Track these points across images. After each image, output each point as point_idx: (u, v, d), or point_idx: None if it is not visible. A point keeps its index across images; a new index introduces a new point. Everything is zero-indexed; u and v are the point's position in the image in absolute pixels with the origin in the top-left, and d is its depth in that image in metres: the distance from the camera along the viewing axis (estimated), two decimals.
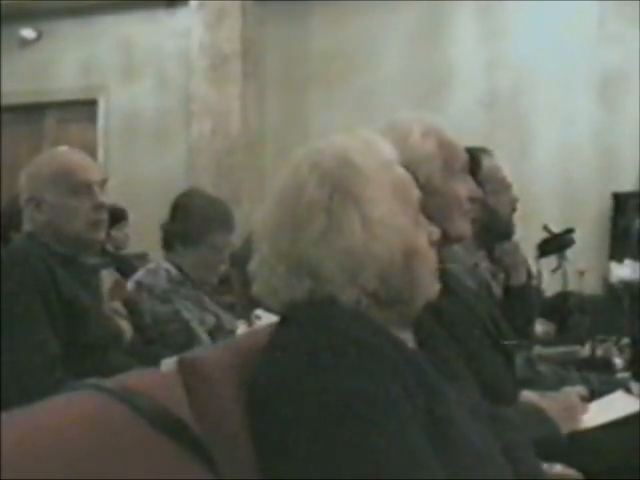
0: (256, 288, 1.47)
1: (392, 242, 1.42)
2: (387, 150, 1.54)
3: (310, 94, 6.82)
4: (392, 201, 1.46)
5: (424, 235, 1.50)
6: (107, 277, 2.69)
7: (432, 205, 2.00)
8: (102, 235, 2.62)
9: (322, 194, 1.40)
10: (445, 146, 2.04)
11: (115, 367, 2.08)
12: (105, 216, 2.62)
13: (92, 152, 7.01)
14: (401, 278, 1.43)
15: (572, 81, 6.22)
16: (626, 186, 5.89)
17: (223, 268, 3.22)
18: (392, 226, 1.43)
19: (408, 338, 1.48)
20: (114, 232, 5.03)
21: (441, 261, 1.84)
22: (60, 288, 2.37)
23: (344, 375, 1.24)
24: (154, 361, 2.30)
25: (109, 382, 1.21)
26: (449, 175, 2.03)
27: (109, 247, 4.71)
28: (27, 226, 2.54)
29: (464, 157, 2.09)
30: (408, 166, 1.97)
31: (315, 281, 1.39)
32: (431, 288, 1.50)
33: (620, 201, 5.84)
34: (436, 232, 1.52)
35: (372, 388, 1.23)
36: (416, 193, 1.52)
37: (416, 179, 1.97)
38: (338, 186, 1.42)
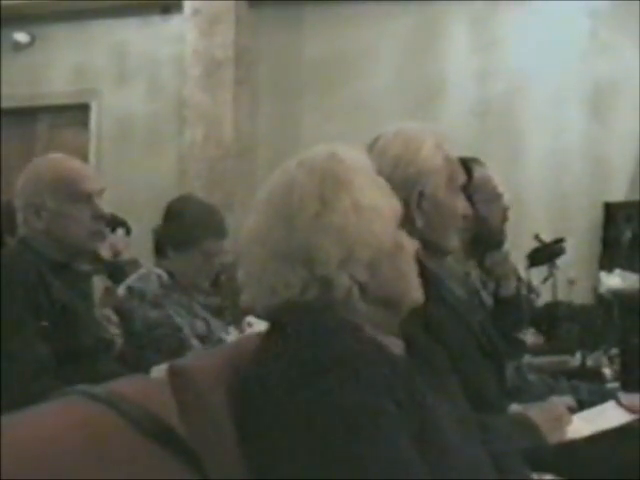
0: (244, 298, 1.48)
1: (381, 230, 1.44)
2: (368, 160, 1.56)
3: (303, 101, 6.83)
4: (379, 194, 1.48)
5: (407, 240, 1.52)
6: (99, 284, 2.70)
7: (433, 217, 2.04)
8: (100, 245, 2.63)
9: (312, 183, 1.43)
10: (450, 162, 2.07)
11: (105, 374, 2.09)
12: (104, 227, 2.63)
13: (84, 156, 7.00)
14: (389, 271, 1.45)
15: (564, 91, 6.24)
16: (617, 196, 5.91)
17: (214, 274, 3.22)
18: (381, 214, 1.45)
19: (397, 344, 1.49)
20: (113, 239, 5.03)
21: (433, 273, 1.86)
22: (51, 294, 2.37)
23: (333, 387, 1.24)
24: (144, 368, 2.31)
25: (99, 389, 1.21)
26: (451, 191, 2.07)
27: (106, 254, 4.71)
28: (22, 231, 2.54)
29: (463, 175, 2.13)
30: (418, 176, 2.00)
31: (310, 269, 1.40)
32: (417, 291, 1.52)
33: (611, 211, 5.86)
34: (415, 244, 1.54)
35: (362, 400, 1.24)
36: (398, 206, 1.53)
37: (422, 190, 2.01)
38: (327, 174, 1.44)
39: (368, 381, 1.26)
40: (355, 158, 1.52)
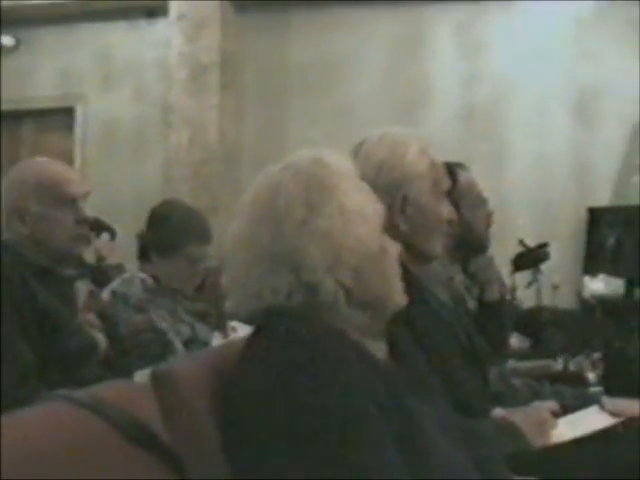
0: (229, 303, 1.48)
1: (367, 234, 1.45)
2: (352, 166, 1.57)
3: (288, 106, 6.83)
4: (363, 199, 1.49)
5: (391, 244, 1.53)
6: (82, 288, 2.69)
7: (417, 222, 2.04)
8: (83, 249, 2.62)
9: (298, 188, 1.43)
10: (435, 167, 2.08)
11: (89, 379, 2.08)
12: (88, 231, 2.62)
13: (69, 161, 6.98)
14: (374, 276, 1.46)
15: (548, 97, 6.26)
16: (601, 201, 5.93)
17: (199, 279, 3.22)
18: (367, 219, 1.46)
19: (379, 348, 1.49)
20: (98, 243, 5.01)
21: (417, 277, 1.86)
22: (34, 299, 2.36)
23: (316, 390, 1.24)
24: (128, 373, 2.30)
25: (82, 393, 1.21)
26: (435, 196, 2.08)
27: (90, 258, 4.69)
28: (5, 235, 2.53)
29: (448, 180, 2.14)
30: (402, 181, 2.01)
31: (296, 274, 1.40)
32: (400, 295, 1.52)
33: (595, 216, 5.88)
34: (398, 248, 1.55)
35: (345, 403, 1.24)
36: (382, 210, 1.53)
37: (406, 195, 2.01)
38: (312, 179, 1.45)
39: (350, 385, 1.26)
40: (339, 163, 1.52)
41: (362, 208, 1.47)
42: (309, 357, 1.29)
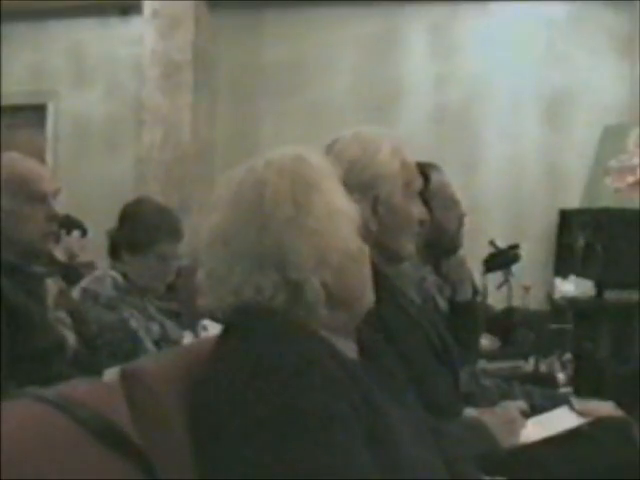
0: (204, 298, 1.46)
1: (349, 234, 1.45)
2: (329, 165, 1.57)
3: (261, 105, 6.82)
4: (345, 198, 1.49)
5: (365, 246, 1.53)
6: (52, 286, 2.67)
7: (388, 222, 2.04)
8: (52, 246, 2.60)
9: (284, 184, 1.42)
10: (407, 167, 2.08)
11: (58, 377, 2.06)
12: (58, 228, 2.60)
13: (40, 157, 6.92)
14: (353, 275, 1.45)
15: (521, 99, 6.30)
16: (572, 203, 5.97)
17: (170, 278, 3.20)
18: (348, 218, 1.46)
19: (350, 347, 1.49)
20: (69, 241, 4.97)
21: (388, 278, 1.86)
22: (3, 297, 2.34)
23: (285, 389, 1.24)
24: (98, 371, 2.28)
25: (50, 392, 1.20)
26: (407, 196, 2.08)
27: (61, 256, 4.65)
28: None
29: (420, 181, 2.14)
30: (374, 181, 2.01)
31: (282, 272, 1.38)
32: (371, 294, 1.53)
33: (566, 218, 5.92)
34: (367, 248, 1.55)
35: (315, 402, 1.23)
36: (356, 209, 1.53)
37: (378, 195, 2.01)
38: (297, 176, 1.44)
39: (321, 384, 1.25)
40: (320, 161, 1.52)
41: (345, 207, 1.47)
42: (279, 355, 1.28)
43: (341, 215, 1.45)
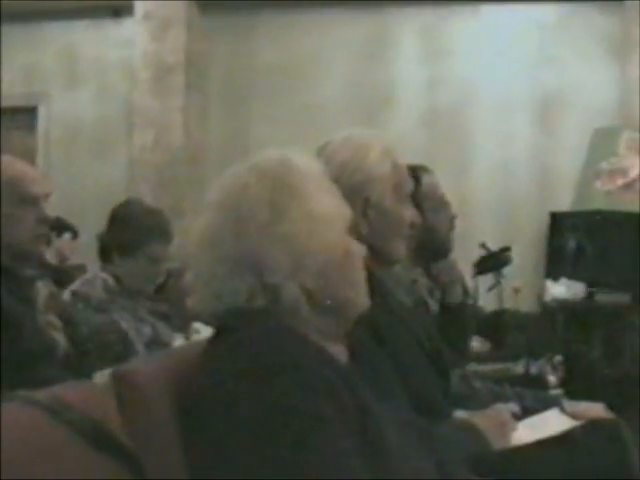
0: (192, 300, 1.47)
1: (332, 238, 1.44)
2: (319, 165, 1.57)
3: (253, 108, 6.82)
4: (331, 202, 1.48)
5: (356, 246, 1.52)
6: (42, 289, 2.66)
7: (378, 225, 2.04)
8: (43, 249, 2.60)
9: (264, 189, 1.42)
10: (398, 169, 2.08)
11: (48, 379, 2.06)
12: (48, 230, 2.60)
13: (31, 159, 6.90)
14: (338, 279, 1.45)
15: (512, 102, 6.31)
16: (563, 206, 5.98)
17: (160, 279, 3.20)
18: (332, 223, 1.45)
19: (341, 351, 1.49)
20: (59, 244, 4.97)
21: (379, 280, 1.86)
22: None
23: (275, 392, 1.24)
24: (88, 373, 2.28)
25: (41, 394, 1.20)
26: (398, 199, 2.08)
27: (52, 258, 4.65)
28: None
29: (411, 183, 2.14)
30: (364, 183, 2.01)
31: (258, 276, 1.39)
32: (364, 298, 1.52)
33: (557, 220, 5.93)
34: (363, 250, 1.55)
35: (305, 406, 1.23)
36: (348, 212, 1.53)
37: (368, 198, 2.01)
38: (279, 181, 1.44)
39: (311, 387, 1.26)
40: (307, 164, 1.52)
41: (328, 212, 1.46)
42: (269, 359, 1.28)
43: (324, 220, 1.44)
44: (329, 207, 1.47)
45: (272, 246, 1.39)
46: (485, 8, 6.40)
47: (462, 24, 6.45)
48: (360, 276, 1.52)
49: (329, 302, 1.44)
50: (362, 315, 1.54)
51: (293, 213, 1.41)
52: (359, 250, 1.53)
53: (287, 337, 1.34)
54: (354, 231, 1.56)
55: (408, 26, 6.56)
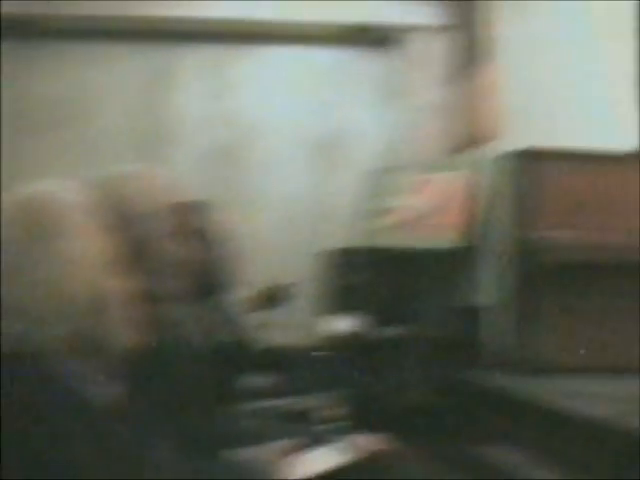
0: None
1: (89, 280, 1.39)
2: (87, 198, 1.52)
3: (30, 139, 6.55)
4: (92, 238, 1.43)
5: (125, 284, 1.48)
6: None
7: (154, 260, 2.01)
8: None
9: (15, 232, 1.36)
10: (178, 205, 2.06)
11: None
12: None
13: None
14: (97, 321, 1.40)
15: (293, 142, 6.43)
16: (341, 243, 6.11)
17: None
18: (87, 264, 1.40)
19: (104, 393, 1.43)
20: None
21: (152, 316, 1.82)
22: None
23: (31, 439, 1.18)
24: None
25: None
26: (176, 235, 2.05)
27: None
28: None
29: (192, 219, 2.13)
30: (141, 217, 1.97)
31: (16, 320, 1.32)
32: (131, 335, 1.48)
33: (343, 256, 6.04)
34: (134, 287, 1.51)
35: (62, 455, 1.19)
36: (114, 248, 1.49)
37: (146, 232, 1.97)
38: (32, 220, 1.38)
39: (66, 435, 1.21)
40: (69, 199, 1.46)
41: (86, 251, 1.41)
42: (22, 405, 1.22)
43: (78, 262, 1.39)
44: (86, 245, 1.42)
45: (22, 291, 1.33)
46: (267, 49, 6.51)
47: (245, 63, 6.52)
48: (123, 315, 1.47)
49: (88, 344, 1.39)
50: (133, 352, 1.50)
51: (44, 255, 1.35)
52: (128, 286, 1.49)
53: (44, 381, 1.28)
54: (125, 267, 1.52)
55: (192, 62, 6.56)
